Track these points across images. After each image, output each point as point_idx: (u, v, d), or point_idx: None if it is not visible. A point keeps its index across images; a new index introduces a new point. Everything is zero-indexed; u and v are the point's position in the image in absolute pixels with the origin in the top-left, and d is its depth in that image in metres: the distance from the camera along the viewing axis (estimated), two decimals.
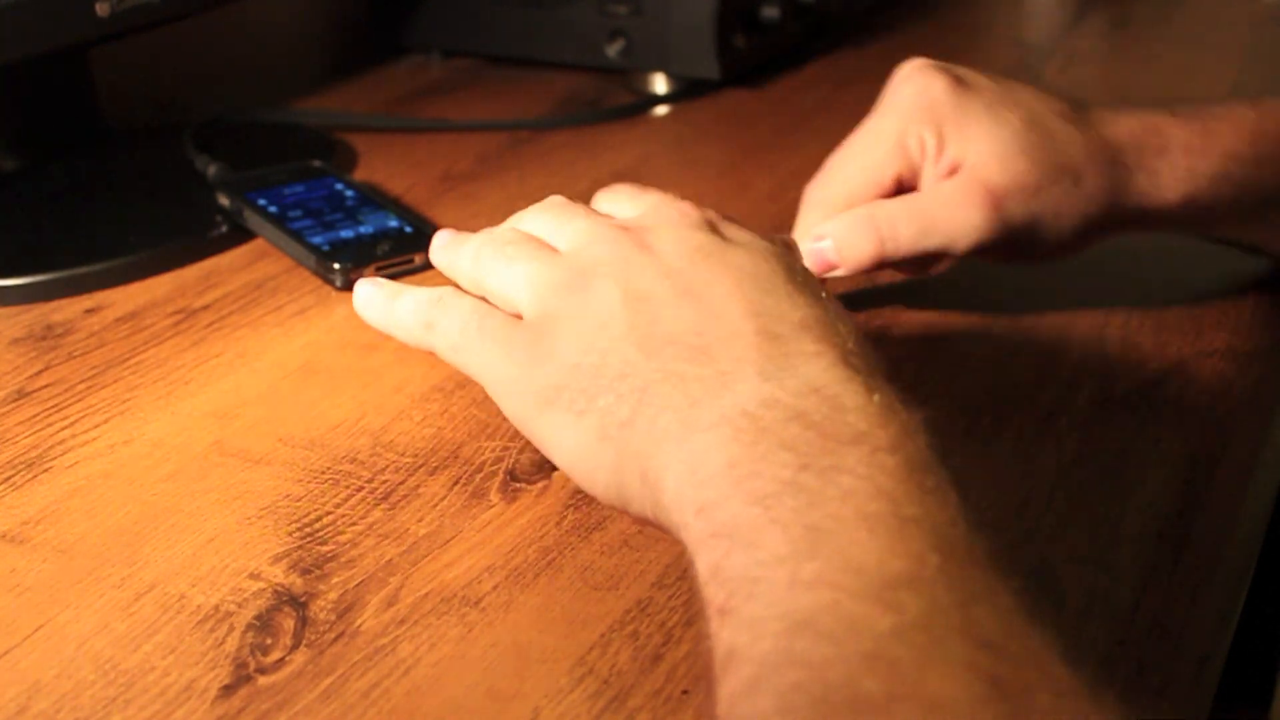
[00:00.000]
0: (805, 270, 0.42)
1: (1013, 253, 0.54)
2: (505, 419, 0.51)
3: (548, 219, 0.45)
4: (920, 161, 0.55)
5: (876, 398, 0.36)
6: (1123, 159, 0.54)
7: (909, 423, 0.36)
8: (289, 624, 0.41)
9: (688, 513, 0.35)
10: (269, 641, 0.40)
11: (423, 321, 0.45)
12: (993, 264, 0.55)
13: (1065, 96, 0.56)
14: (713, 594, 0.33)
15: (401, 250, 0.64)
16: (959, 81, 0.55)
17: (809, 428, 0.35)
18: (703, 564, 0.34)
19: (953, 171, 0.54)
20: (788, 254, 0.42)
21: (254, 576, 0.43)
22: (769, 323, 0.38)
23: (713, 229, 0.42)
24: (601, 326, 0.40)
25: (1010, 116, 0.54)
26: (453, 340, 0.44)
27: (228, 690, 0.39)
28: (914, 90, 0.55)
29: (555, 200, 0.46)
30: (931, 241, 0.53)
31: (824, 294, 0.41)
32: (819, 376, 0.36)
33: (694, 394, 0.37)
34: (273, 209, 0.67)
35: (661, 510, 0.37)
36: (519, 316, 0.43)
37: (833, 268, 0.54)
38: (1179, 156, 0.54)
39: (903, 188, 0.55)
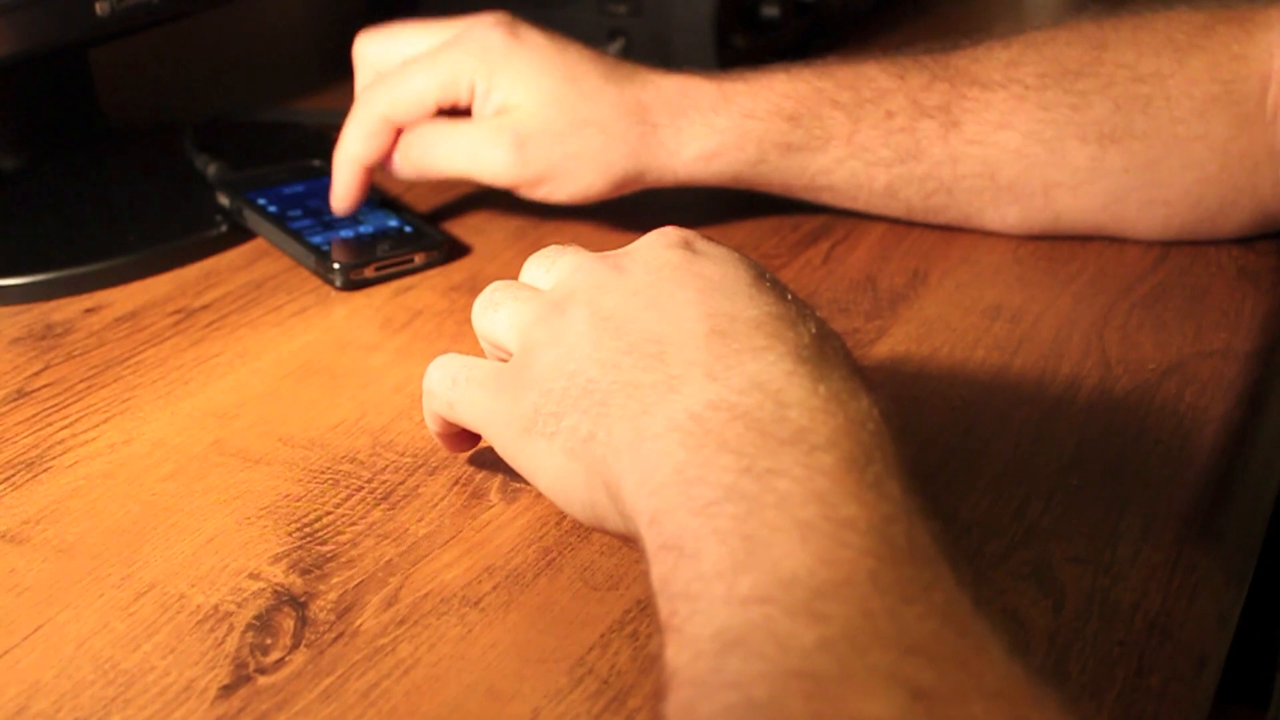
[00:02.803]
0: (774, 276, 0.42)
1: (544, 190, 0.63)
2: None
3: (536, 265, 0.46)
4: (468, 100, 0.63)
5: (822, 389, 0.36)
6: (650, 116, 0.62)
7: (856, 412, 0.36)
8: (288, 624, 0.41)
9: (642, 522, 0.36)
10: (269, 641, 0.40)
11: (426, 393, 0.46)
12: (533, 200, 0.64)
13: (622, 61, 0.64)
14: (661, 607, 0.33)
15: (401, 250, 0.64)
16: (516, 36, 0.62)
17: (750, 427, 0.35)
18: (655, 576, 0.34)
19: (499, 114, 0.62)
20: (756, 263, 0.43)
21: (254, 576, 0.43)
22: (721, 323, 0.39)
23: (687, 246, 0.43)
24: (570, 350, 0.41)
25: (553, 71, 0.62)
26: (447, 398, 0.45)
27: (227, 690, 0.39)
28: (477, 37, 0.63)
29: (548, 247, 0.47)
30: (456, 166, 0.63)
31: (789, 295, 0.41)
32: (764, 372, 0.37)
33: (646, 401, 0.38)
34: (272, 208, 0.67)
35: (627, 521, 0.38)
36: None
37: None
38: (701, 114, 0.63)
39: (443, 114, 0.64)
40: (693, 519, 0.34)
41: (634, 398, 0.38)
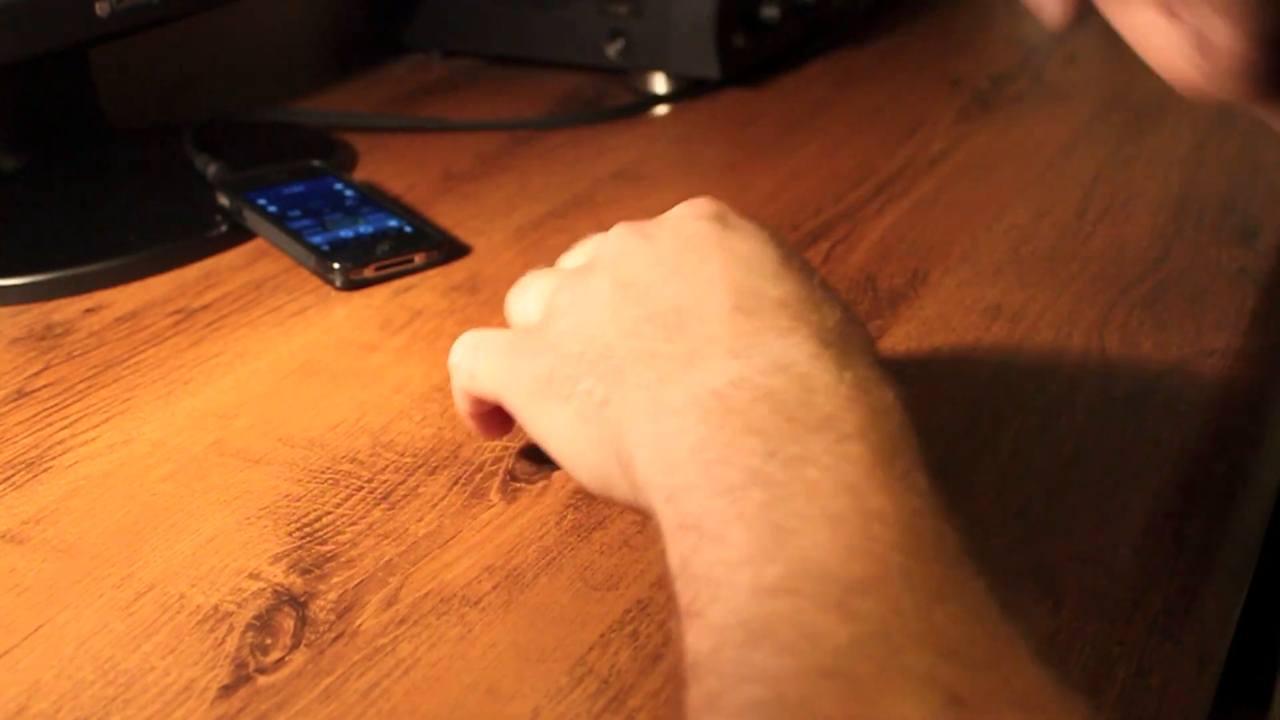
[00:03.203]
0: (802, 257, 0.42)
1: None
2: None
3: (572, 252, 0.46)
4: None
5: (848, 375, 0.36)
6: None
7: (881, 402, 0.35)
8: (289, 624, 0.41)
9: (658, 497, 0.35)
10: (268, 641, 0.40)
11: (451, 369, 0.46)
12: None
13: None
14: (681, 591, 0.33)
15: (401, 250, 0.64)
16: None
17: (776, 410, 0.35)
18: (673, 555, 0.34)
19: None
20: (786, 242, 0.42)
21: (254, 576, 0.43)
22: (746, 299, 0.38)
23: (718, 219, 0.42)
24: (590, 314, 0.41)
25: None
26: (468, 368, 0.45)
27: (227, 690, 0.39)
28: None
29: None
30: None
31: (815, 278, 0.41)
32: (788, 353, 0.36)
33: (665, 371, 0.37)
34: (272, 209, 0.67)
35: (638, 491, 0.37)
36: None
37: None
38: None
39: None
40: (715, 500, 0.33)
41: (652, 367, 0.38)
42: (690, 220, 0.42)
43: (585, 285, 0.42)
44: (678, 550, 0.33)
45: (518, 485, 0.47)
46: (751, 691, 0.28)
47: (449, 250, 0.65)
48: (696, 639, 0.31)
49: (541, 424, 0.42)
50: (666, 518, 0.35)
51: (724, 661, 0.29)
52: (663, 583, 0.42)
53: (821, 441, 0.34)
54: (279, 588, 0.43)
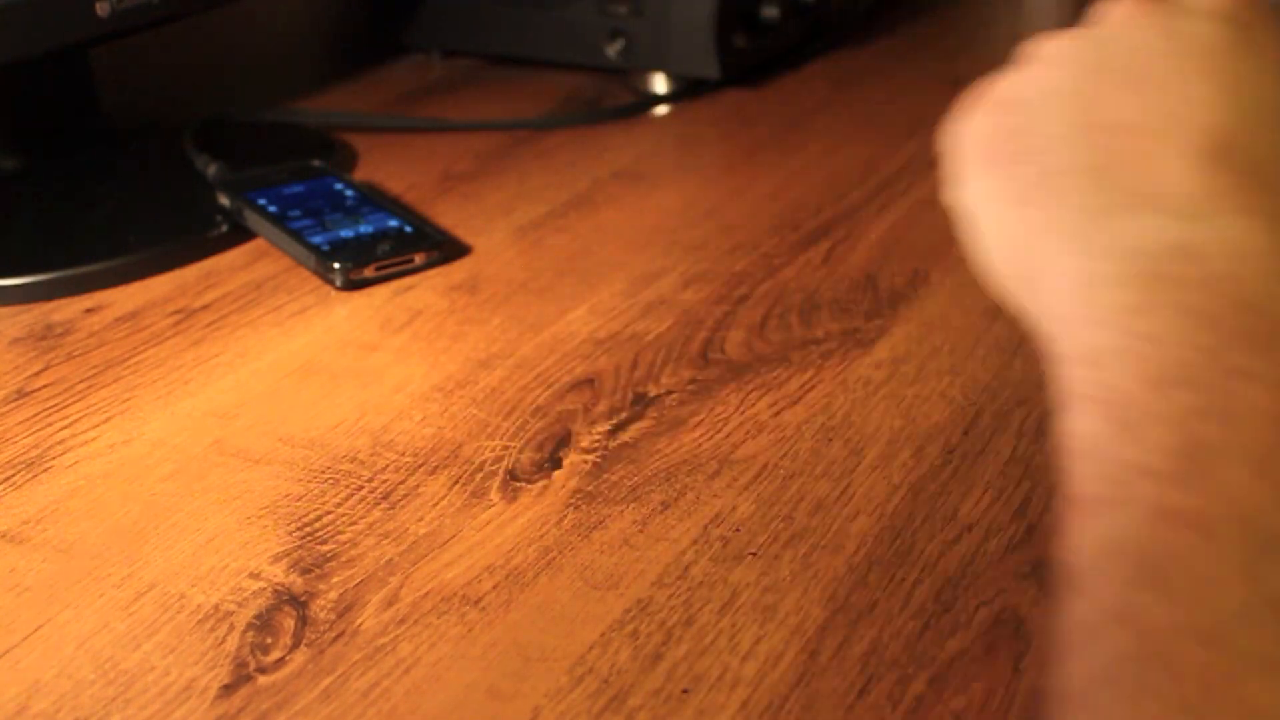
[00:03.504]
0: None
1: None
2: (505, 418, 0.51)
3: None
4: None
5: None
6: None
7: None
8: (289, 623, 0.41)
9: (1073, 348, 0.31)
10: (269, 641, 0.40)
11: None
12: None
13: None
14: (1077, 474, 0.29)
15: (401, 250, 0.64)
16: None
17: (1227, 302, 0.29)
18: (1076, 424, 0.30)
19: None
20: None
21: (254, 576, 0.43)
22: (1221, 148, 0.33)
23: (1237, 22, 0.36)
24: (1051, 91, 0.36)
25: None
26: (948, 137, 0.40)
27: (227, 690, 0.39)
28: None
29: None
30: None
31: None
32: (1253, 238, 0.30)
33: (1102, 204, 0.33)
34: (272, 209, 0.67)
35: (1034, 314, 0.34)
36: None
37: None
38: None
39: None
40: (1141, 389, 0.29)
41: (1091, 192, 0.33)
42: (1201, 17, 0.36)
43: (1063, 50, 0.37)
44: (1085, 424, 0.30)
45: (518, 485, 0.47)
46: (1120, 638, 0.25)
47: (449, 250, 0.65)
48: (1082, 544, 0.28)
49: (966, 185, 0.37)
50: (1078, 379, 0.31)
51: (1102, 589, 0.26)
52: (663, 582, 0.42)
53: (1272, 360, 0.28)
54: (279, 587, 0.43)
